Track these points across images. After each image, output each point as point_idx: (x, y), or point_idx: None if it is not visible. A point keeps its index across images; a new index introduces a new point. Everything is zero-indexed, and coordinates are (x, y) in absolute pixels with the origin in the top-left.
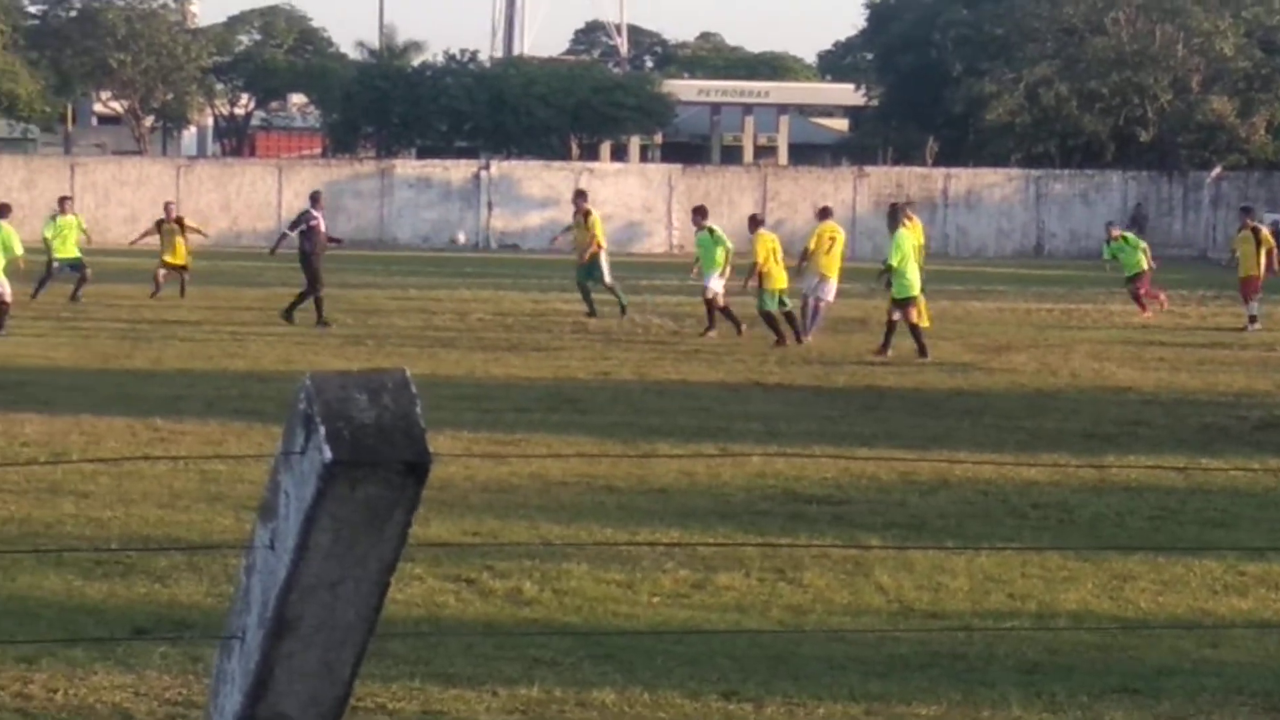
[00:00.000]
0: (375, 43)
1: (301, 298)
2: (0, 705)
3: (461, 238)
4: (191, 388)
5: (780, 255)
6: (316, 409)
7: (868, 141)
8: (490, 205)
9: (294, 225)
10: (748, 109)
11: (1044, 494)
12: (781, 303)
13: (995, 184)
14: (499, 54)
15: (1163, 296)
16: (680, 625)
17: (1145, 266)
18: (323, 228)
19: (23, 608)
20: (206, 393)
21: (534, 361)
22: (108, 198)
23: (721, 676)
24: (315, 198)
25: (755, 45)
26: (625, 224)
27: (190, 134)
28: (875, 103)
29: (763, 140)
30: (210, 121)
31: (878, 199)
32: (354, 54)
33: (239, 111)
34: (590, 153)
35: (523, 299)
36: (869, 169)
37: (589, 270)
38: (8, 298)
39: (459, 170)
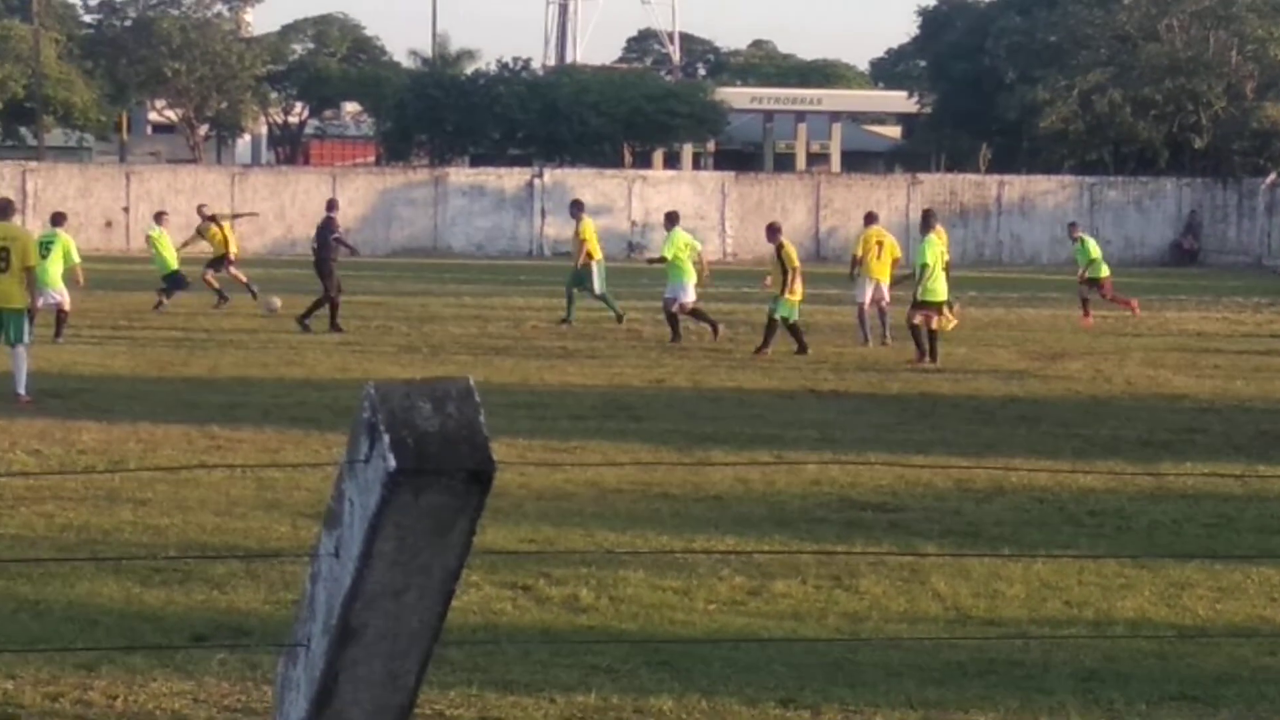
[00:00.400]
0: (429, 51)
1: (318, 304)
2: (61, 712)
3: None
4: (248, 395)
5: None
6: (381, 417)
7: (921, 149)
8: (544, 213)
9: (336, 236)
10: (800, 116)
11: (1100, 501)
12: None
13: (1049, 191)
14: (552, 62)
15: (1134, 303)
16: (737, 632)
17: (1106, 272)
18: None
19: (82, 615)
20: (263, 400)
21: (589, 369)
22: (163, 206)
23: (778, 684)
24: (332, 205)
25: (808, 53)
26: None
27: (244, 142)
28: (928, 110)
29: (815, 148)
30: (264, 130)
31: (931, 206)
32: (407, 62)
33: (293, 120)
34: (643, 160)
35: (578, 306)
36: (922, 176)
37: (579, 277)
38: (67, 306)
39: (512, 178)
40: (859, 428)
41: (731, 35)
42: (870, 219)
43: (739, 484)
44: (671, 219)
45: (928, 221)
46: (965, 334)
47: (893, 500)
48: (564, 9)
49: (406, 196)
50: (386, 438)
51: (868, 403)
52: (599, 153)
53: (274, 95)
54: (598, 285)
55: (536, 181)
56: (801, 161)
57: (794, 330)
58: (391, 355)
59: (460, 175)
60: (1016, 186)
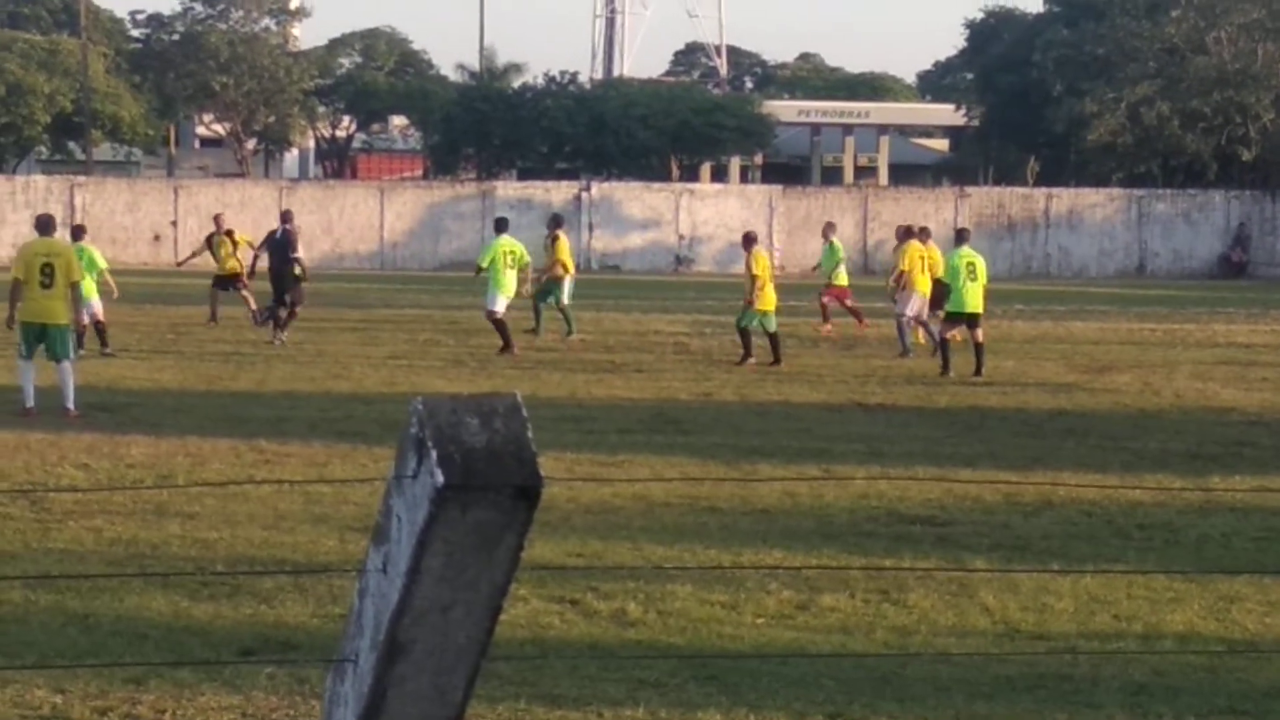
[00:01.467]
0: (476, 65)
1: (274, 312)
2: None
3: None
4: (295, 409)
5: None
6: (428, 433)
7: (968, 162)
8: (591, 227)
9: (290, 249)
10: (848, 129)
11: (1149, 515)
12: (764, 323)
13: (1097, 204)
14: (599, 75)
15: (865, 321)
16: (785, 647)
17: (846, 280)
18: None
19: (130, 629)
20: (310, 414)
21: (636, 382)
22: (211, 220)
23: (827, 698)
24: (287, 217)
25: (855, 66)
26: (726, 245)
27: (292, 156)
28: (975, 123)
29: (863, 161)
30: (312, 144)
31: (979, 219)
32: (454, 76)
33: (340, 134)
34: (690, 174)
35: (624, 320)
36: (970, 189)
37: (548, 290)
38: (101, 316)
39: (560, 192)
40: (906, 441)
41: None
42: (914, 233)
43: (787, 498)
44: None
45: (961, 237)
46: (1013, 347)
47: (941, 514)
48: (611, 22)
49: (454, 210)
50: (434, 453)
51: (915, 416)
52: (646, 166)
53: (321, 109)
54: (566, 297)
55: (584, 195)
56: (849, 174)
57: (772, 340)
58: (439, 369)
59: (507, 189)
60: (1064, 199)
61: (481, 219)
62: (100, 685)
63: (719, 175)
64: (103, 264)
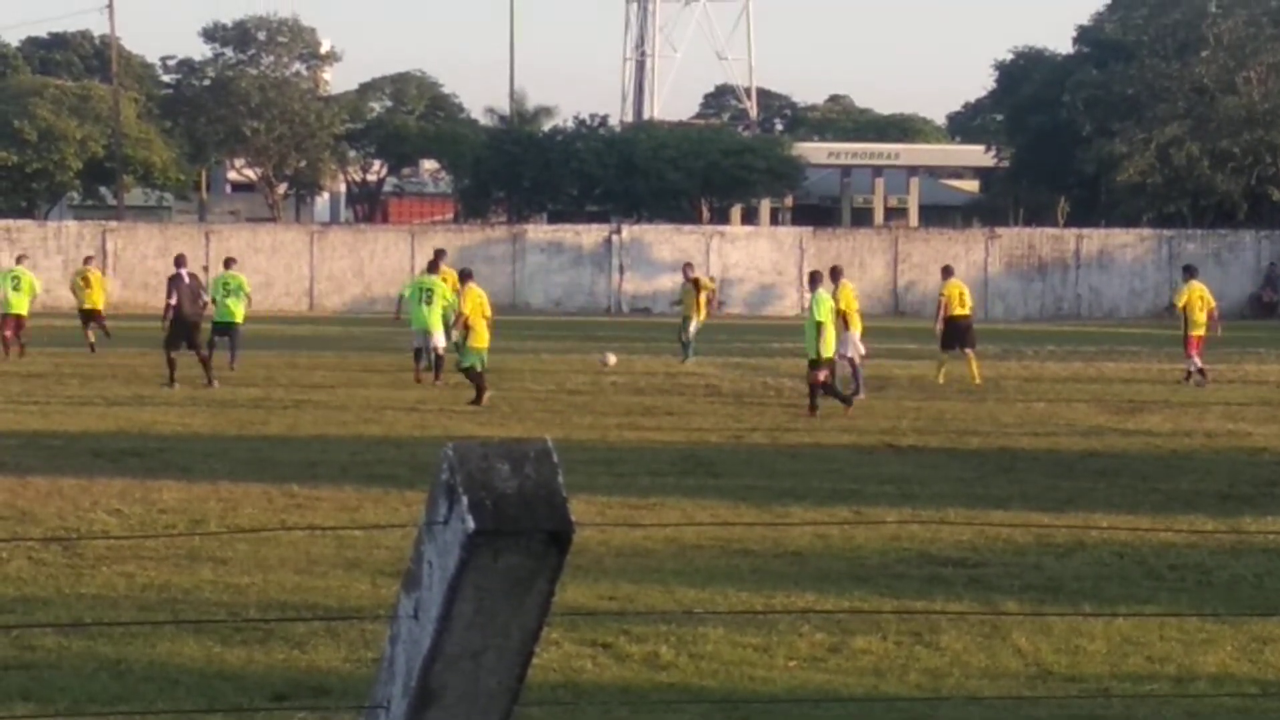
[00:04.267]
0: (506, 108)
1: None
2: None
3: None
4: (326, 453)
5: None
6: (459, 479)
7: (998, 202)
8: (622, 269)
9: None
10: (878, 171)
11: (1181, 556)
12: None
13: (1128, 244)
14: (629, 118)
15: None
16: (817, 689)
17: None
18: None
19: (163, 675)
20: (342, 458)
21: (667, 425)
22: (242, 265)
23: None
24: (179, 260)
25: (885, 107)
26: (757, 287)
27: (323, 200)
28: (1005, 164)
29: (893, 202)
30: (343, 188)
31: (1009, 260)
32: (485, 120)
33: (371, 178)
34: (720, 216)
35: (655, 363)
36: (1000, 230)
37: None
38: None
39: (590, 235)
40: (938, 483)
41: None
42: (948, 272)
43: (819, 540)
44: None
45: (815, 280)
46: (1044, 388)
47: (973, 555)
48: (641, 65)
49: (485, 253)
50: (465, 499)
51: (946, 457)
52: (676, 208)
53: (352, 153)
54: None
55: (614, 238)
56: (879, 216)
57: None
58: (471, 414)
59: (538, 232)
60: (1095, 240)
61: (512, 262)
62: None
63: (749, 217)
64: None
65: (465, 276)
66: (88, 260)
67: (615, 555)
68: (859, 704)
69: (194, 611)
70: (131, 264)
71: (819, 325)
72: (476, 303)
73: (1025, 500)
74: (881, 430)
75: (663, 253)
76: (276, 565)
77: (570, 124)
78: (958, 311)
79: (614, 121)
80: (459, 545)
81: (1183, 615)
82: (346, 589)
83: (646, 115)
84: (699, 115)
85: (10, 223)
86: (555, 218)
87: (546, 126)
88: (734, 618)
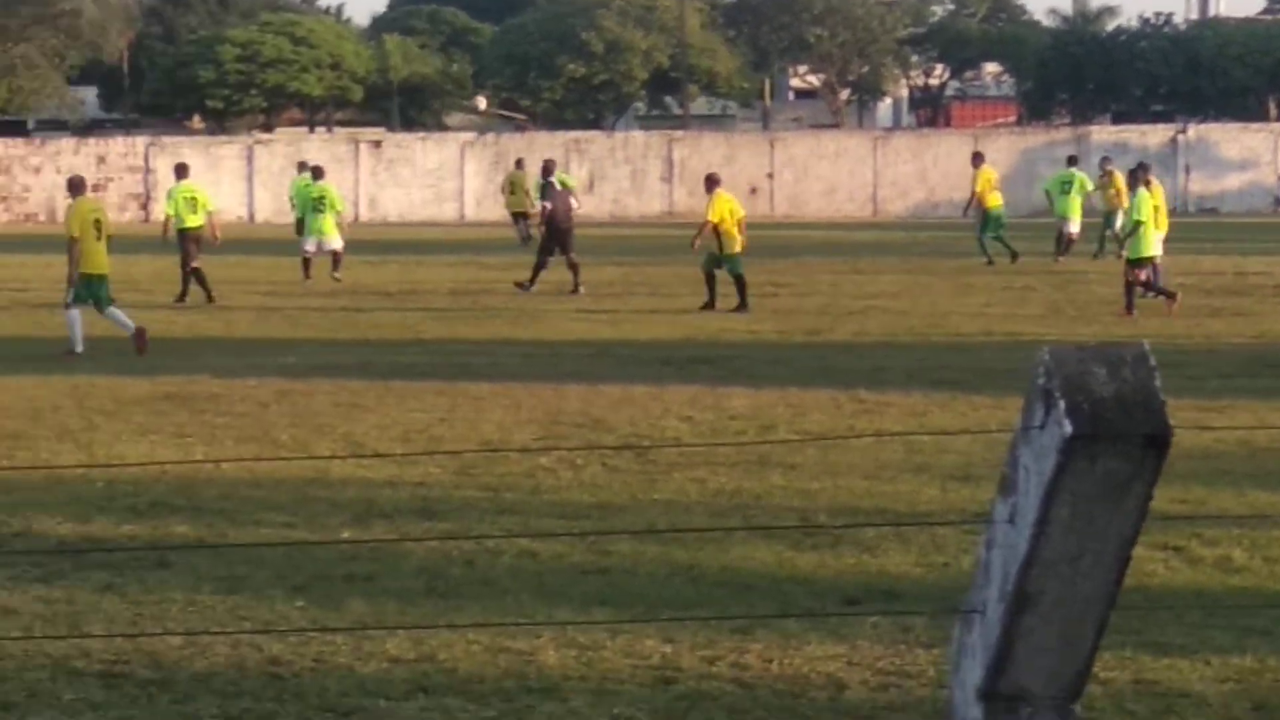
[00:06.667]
0: (1069, 9)
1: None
2: (718, 675)
3: None
4: (892, 359)
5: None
6: (1056, 383)
7: None
8: (1187, 169)
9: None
10: None
11: None
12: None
13: None
14: (1194, 16)
15: None
16: None
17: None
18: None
19: (735, 580)
20: (907, 364)
21: (1236, 325)
22: (806, 172)
23: None
24: (547, 168)
25: None
26: None
27: (885, 106)
28: None
29: None
30: (905, 92)
31: None
32: (1047, 21)
33: (933, 82)
34: None
35: (1222, 262)
36: None
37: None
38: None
39: (1155, 135)
40: None
41: None
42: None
43: None
44: None
45: (1136, 177)
46: None
47: None
48: None
49: (1049, 155)
50: (1062, 403)
51: None
52: (1243, 107)
53: (914, 58)
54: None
55: (1179, 138)
56: None
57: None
58: (1037, 317)
59: (1102, 133)
60: None
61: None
62: (708, 635)
63: None
64: (340, 205)
65: (712, 183)
66: (518, 164)
67: (1186, 458)
68: None
69: (765, 517)
70: (697, 172)
71: (1139, 224)
72: (726, 208)
73: None
74: None
75: (1230, 152)
76: (845, 470)
77: (1134, 23)
78: None
79: (1179, 20)
80: (1056, 450)
81: None
82: (915, 494)
83: (1212, 12)
84: (1266, 11)
85: (579, 134)
86: (1119, 118)
87: (1110, 26)
88: None
